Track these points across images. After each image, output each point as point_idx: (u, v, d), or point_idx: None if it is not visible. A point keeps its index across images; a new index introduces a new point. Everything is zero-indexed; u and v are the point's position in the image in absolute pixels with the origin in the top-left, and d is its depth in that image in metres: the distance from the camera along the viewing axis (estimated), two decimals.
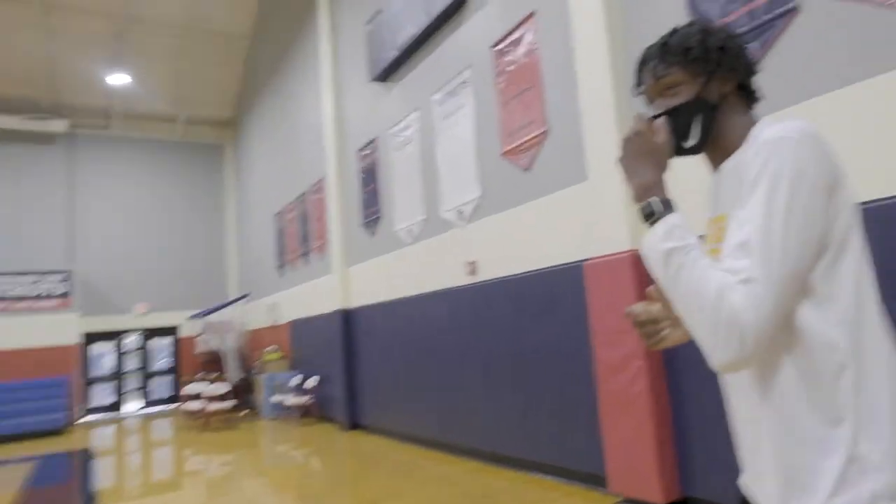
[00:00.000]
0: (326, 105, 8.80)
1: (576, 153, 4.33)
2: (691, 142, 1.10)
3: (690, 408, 3.58)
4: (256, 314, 12.69)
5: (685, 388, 3.60)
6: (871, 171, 2.71)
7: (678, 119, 1.09)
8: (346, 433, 7.96)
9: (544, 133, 4.73)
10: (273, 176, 12.10)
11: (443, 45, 6.14)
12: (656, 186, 1.05)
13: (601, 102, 4.00)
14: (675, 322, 1.18)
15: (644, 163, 1.07)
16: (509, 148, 5.13)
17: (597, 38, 4.03)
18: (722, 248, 0.98)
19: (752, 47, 3.22)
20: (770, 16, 3.13)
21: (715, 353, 0.92)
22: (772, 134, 0.94)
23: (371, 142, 7.71)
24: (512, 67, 5.10)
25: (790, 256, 0.89)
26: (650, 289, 1.17)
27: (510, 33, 5.11)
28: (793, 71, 3.07)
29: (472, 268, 5.61)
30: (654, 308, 1.20)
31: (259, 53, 13.05)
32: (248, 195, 13.97)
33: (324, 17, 8.98)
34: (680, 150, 1.11)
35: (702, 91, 1.07)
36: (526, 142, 4.92)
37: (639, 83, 1.17)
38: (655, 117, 1.11)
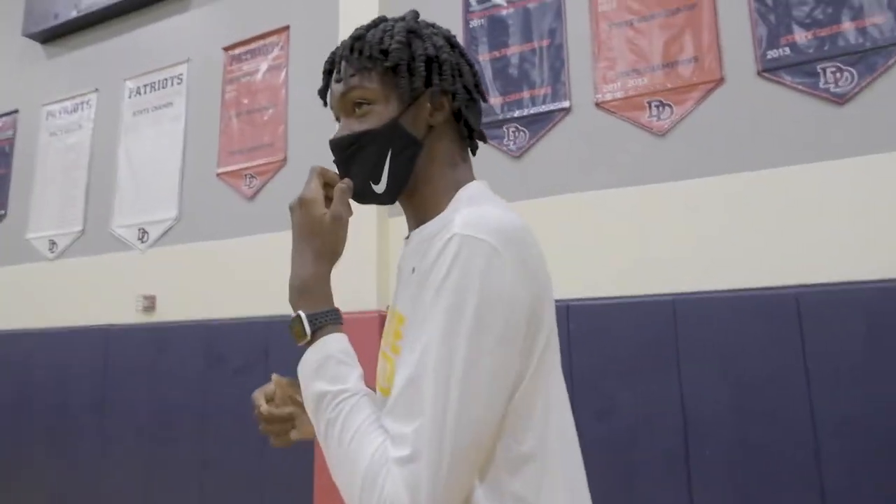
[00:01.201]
0: None
1: None
2: (381, 187, 0.83)
3: None
4: None
5: None
6: (590, 273, 3.01)
7: (365, 152, 0.81)
8: None
9: (281, 162, 4.14)
10: None
11: (155, 26, 4.99)
12: (314, 288, 0.79)
13: None
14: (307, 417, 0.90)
15: (305, 247, 0.80)
16: (229, 170, 4.34)
17: None
18: (392, 362, 0.78)
19: (523, 136, 3.36)
20: (547, 108, 3.32)
21: None
22: (464, 227, 0.68)
23: (10, 114, 5.73)
24: (249, 79, 4.39)
25: (469, 426, 0.65)
26: (276, 377, 0.98)
27: (254, 40, 4.42)
28: (552, 164, 3.28)
29: (150, 303, 4.47)
30: (281, 400, 0.97)
31: None
32: None
33: None
34: (370, 195, 0.86)
35: (400, 116, 0.80)
36: (254, 167, 4.23)
37: (325, 89, 0.89)
38: (336, 161, 0.84)
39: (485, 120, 3.48)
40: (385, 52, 0.79)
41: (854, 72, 2.69)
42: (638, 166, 3.08)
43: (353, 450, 0.69)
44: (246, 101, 4.36)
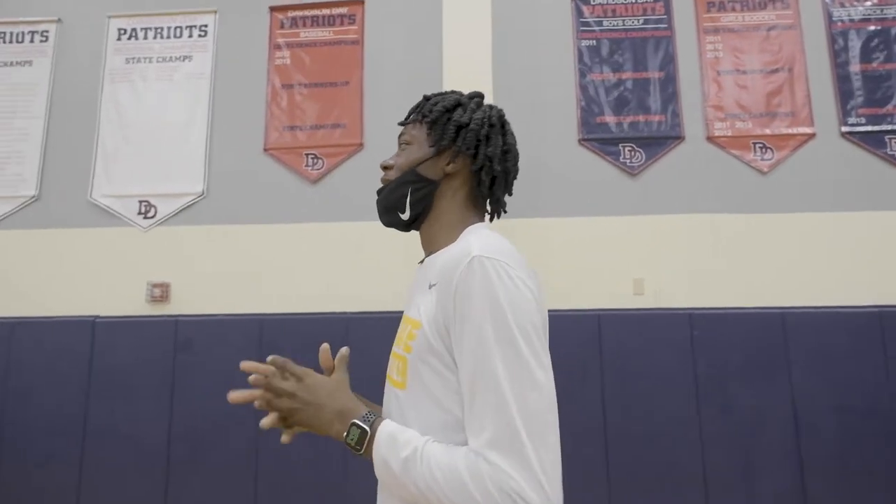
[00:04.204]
0: None
1: None
2: (406, 216, 1.03)
3: None
4: None
5: None
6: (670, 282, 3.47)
7: (395, 191, 1.03)
8: None
9: (357, 146, 3.80)
10: None
11: None
12: (348, 410, 0.91)
13: None
14: None
15: (322, 406, 0.91)
16: (283, 146, 3.84)
17: (479, 53, 3.65)
18: (404, 360, 0.92)
19: (639, 156, 3.65)
20: (664, 134, 3.66)
21: None
22: (480, 250, 0.85)
23: None
24: (309, 48, 3.94)
25: (536, 399, 0.80)
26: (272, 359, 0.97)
27: (315, 6, 3.98)
28: (667, 185, 3.64)
29: (162, 292, 3.71)
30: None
31: None
32: None
33: None
34: (398, 222, 1.06)
35: (422, 162, 1.02)
36: (320, 148, 3.81)
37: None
38: (379, 191, 1.06)
39: (599, 136, 3.69)
40: (431, 111, 1.03)
41: None
42: (746, 196, 3.58)
43: (449, 478, 0.78)
44: (311, 70, 3.90)
